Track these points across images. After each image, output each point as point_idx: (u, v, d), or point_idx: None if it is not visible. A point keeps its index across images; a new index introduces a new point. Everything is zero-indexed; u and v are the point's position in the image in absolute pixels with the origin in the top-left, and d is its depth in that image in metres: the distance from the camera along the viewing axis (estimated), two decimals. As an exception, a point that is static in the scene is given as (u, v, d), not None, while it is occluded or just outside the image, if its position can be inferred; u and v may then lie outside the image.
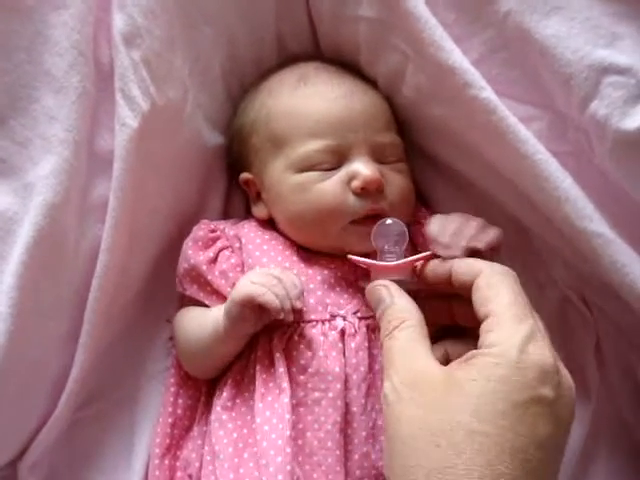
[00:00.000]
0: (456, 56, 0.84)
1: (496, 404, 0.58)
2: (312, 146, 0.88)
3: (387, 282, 0.76)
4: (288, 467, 0.75)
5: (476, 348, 0.64)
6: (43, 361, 0.86)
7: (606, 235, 0.81)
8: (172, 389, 0.92)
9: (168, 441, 0.88)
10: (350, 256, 0.82)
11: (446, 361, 0.67)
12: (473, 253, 0.76)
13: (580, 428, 0.91)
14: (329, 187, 0.87)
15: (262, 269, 0.85)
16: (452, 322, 0.78)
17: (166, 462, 0.87)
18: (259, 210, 0.97)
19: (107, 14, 0.87)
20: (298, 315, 0.82)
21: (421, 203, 1.01)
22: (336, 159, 0.88)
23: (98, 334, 0.88)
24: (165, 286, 0.98)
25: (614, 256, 0.80)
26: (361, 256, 0.81)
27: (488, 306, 0.66)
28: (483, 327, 0.65)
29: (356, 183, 0.86)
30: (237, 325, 0.82)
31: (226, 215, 1.04)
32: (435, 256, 0.78)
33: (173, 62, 0.90)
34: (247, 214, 1.03)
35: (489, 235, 0.80)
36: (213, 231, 0.93)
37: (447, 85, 0.86)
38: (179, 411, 0.90)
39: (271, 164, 0.92)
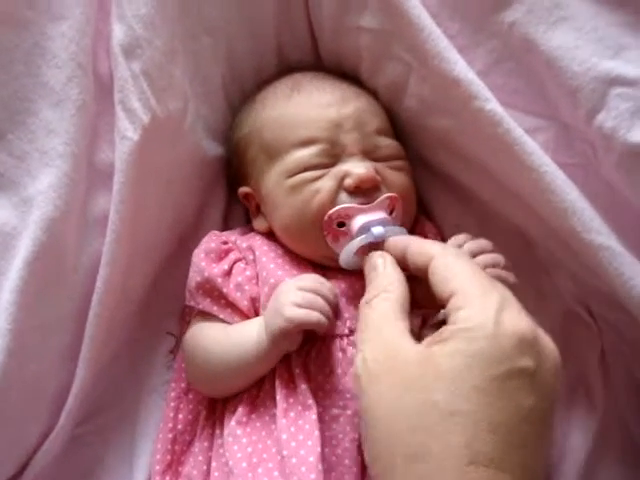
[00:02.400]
0: (460, 67, 0.83)
1: (472, 380, 0.56)
2: (305, 152, 0.88)
3: (385, 253, 0.75)
4: None
5: None
6: (43, 377, 0.85)
7: (613, 248, 0.80)
8: (172, 404, 0.90)
9: (169, 457, 0.87)
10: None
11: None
12: None
13: (586, 439, 0.90)
14: (322, 184, 0.86)
15: (295, 283, 0.82)
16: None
17: (167, 478, 0.86)
18: (259, 223, 0.96)
19: (106, 25, 0.86)
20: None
21: (425, 216, 1.01)
22: (330, 160, 0.88)
23: (99, 349, 0.87)
24: (165, 298, 0.97)
25: (620, 269, 0.79)
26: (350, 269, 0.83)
27: (449, 285, 0.64)
28: (451, 306, 0.63)
29: (348, 181, 0.85)
30: (281, 346, 0.80)
31: (226, 226, 1.03)
32: None
33: (173, 73, 0.89)
34: (247, 225, 1.02)
35: (503, 274, 0.81)
36: (225, 243, 0.92)
37: (451, 97, 0.85)
38: (180, 426, 0.89)
39: (267, 174, 0.91)
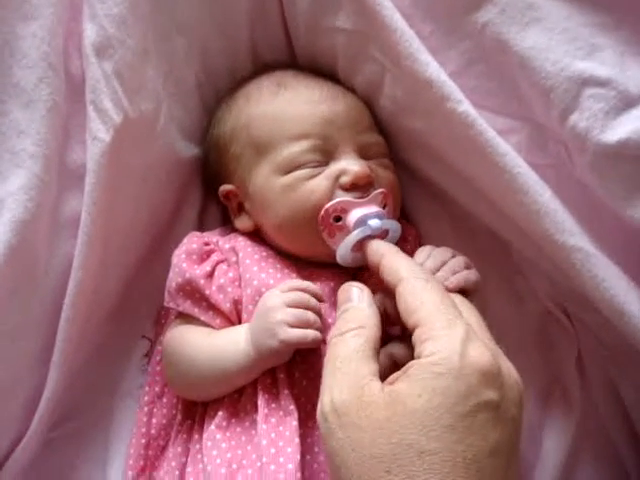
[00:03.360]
0: (433, 69, 0.83)
1: (442, 419, 0.57)
2: (298, 147, 0.87)
3: (363, 286, 0.74)
4: None
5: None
6: (15, 381, 0.84)
7: (586, 249, 0.79)
8: (146, 408, 0.89)
9: (142, 462, 0.86)
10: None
11: (394, 366, 0.65)
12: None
13: (564, 440, 0.91)
14: (318, 183, 0.86)
15: (282, 297, 0.79)
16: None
17: (140, 484, 0.85)
18: (242, 222, 0.94)
19: (78, 25, 0.85)
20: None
21: (403, 218, 1.00)
22: (323, 157, 0.87)
23: (71, 353, 0.86)
24: (139, 301, 0.96)
25: (594, 270, 0.79)
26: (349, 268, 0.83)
27: (415, 315, 0.64)
28: (416, 337, 0.63)
29: (345, 179, 0.85)
30: (270, 362, 0.79)
31: (202, 226, 1.02)
32: None
33: (146, 73, 0.88)
34: (223, 225, 1.01)
35: (461, 278, 0.79)
36: (206, 244, 0.90)
37: (424, 98, 0.85)
38: (153, 431, 0.88)
39: (255, 171, 0.90)
